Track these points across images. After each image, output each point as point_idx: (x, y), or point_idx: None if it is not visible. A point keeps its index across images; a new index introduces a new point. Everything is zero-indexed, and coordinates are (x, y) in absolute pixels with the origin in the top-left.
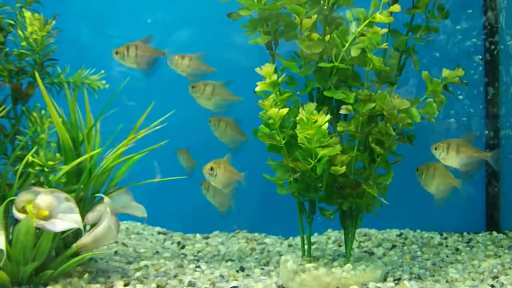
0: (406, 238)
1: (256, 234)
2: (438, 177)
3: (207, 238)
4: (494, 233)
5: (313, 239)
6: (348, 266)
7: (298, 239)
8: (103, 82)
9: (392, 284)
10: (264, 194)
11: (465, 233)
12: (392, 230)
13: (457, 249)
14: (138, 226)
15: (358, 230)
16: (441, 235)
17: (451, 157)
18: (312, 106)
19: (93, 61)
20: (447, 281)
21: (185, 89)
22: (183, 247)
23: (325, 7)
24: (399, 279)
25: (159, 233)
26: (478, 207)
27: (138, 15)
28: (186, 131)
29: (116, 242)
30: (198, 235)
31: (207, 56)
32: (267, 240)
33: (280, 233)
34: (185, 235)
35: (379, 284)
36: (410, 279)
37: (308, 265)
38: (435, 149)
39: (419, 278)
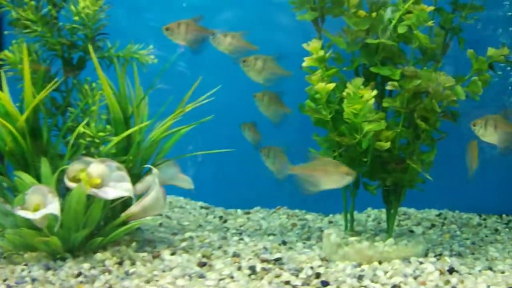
0: (445, 218)
1: (296, 211)
2: (469, 159)
3: (248, 213)
4: None
5: None
6: (390, 240)
7: (338, 216)
8: (152, 57)
9: (434, 259)
10: None
11: (504, 215)
12: (431, 210)
13: (496, 230)
14: (181, 200)
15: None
16: (480, 216)
17: (489, 133)
18: (359, 81)
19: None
20: (487, 259)
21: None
22: (225, 221)
23: None
24: (440, 255)
25: (201, 207)
26: None
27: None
28: (238, 107)
29: (160, 214)
30: (239, 211)
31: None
32: (307, 217)
33: (320, 210)
34: (227, 210)
35: (420, 259)
36: (450, 256)
37: (351, 239)
38: (474, 125)
39: (459, 255)
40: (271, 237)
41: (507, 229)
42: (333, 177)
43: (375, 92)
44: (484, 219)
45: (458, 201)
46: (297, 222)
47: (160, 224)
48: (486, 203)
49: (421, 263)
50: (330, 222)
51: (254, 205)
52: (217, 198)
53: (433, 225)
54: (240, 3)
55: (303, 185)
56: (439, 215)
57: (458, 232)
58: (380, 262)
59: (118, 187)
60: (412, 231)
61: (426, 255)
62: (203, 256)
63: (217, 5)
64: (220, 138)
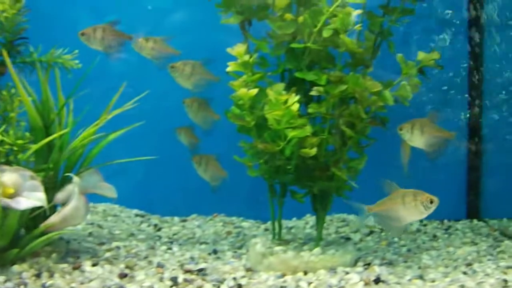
0: None
1: (234, 218)
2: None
3: (185, 221)
4: (475, 221)
5: (291, 223)
6: (317, 250)
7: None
8: (76, 61)
9: (361, 269)
10: (242, 178)
11: (445, 221)
12: (371, 217)
13: (435, 236)
14: (116, 208)
15: (336, 216)
16: (421, 221)
17: (416, 137)
18: (280, 86)
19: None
20: (419, 268)
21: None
22: (159, 229)
23: None
24: (369, 264)
25: (136, 215)
26: (459, 194)
27: (138, 1)
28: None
29: (92, 223)
30: (176, 218)
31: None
32: (244, 224)
33: (258, 217)
34: (163, 218)
35: (347, 269)
36: (381, 265)
37: (277, 248)
38: (400, 129)
39: (390, 264)
40: (202, 246)
41: (446, 235)
42: (415, 207)
43: (297, 98)
44: (425, 225)
45: None
46: (232, 230)
47: (90, 234)
48: None
49: (347, 273)
50: (267, 229)
51: (191, 212)
52: (153, 206)
53: (371, 232)
54: (206, 6)
55: (386, 224)
56: None
57: (395, 239)
58: (305, 273)
59: (31, 197)
60: (349, 238)
61: (355, 264)
62: (126, 267)
63: (184, 8)
64: (158, 144)
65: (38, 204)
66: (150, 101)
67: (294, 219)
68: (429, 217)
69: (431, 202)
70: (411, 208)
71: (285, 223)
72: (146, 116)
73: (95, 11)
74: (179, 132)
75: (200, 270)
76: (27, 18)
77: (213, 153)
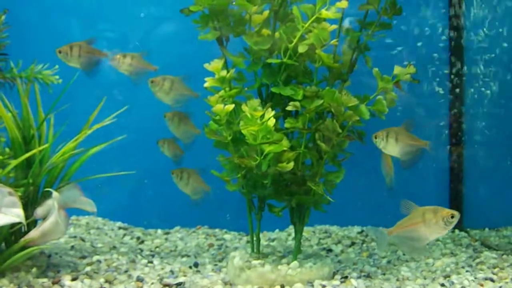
0: (366, 236)
1: (217, 230)
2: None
3: (168, 233)
4: (456, 231)
5: (274, 235)
6: (295, 263)
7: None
8: (57, 77)
9: (338, 282)
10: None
11: None
12: (354, 227)
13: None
14: (99, 221)
15: (319, 227)
16: None
17: (391, 145)
18: (255, 102)
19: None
20: (397, 280)
21: None
22: (142, 242)
23: (275, 2)
24: (346, 277)
25: (119, 228)
26: (442, 205)
27: (130, 9)
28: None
29: (75, 236)
30: (159, 231)
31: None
32: (226, 236)
33: (241, 229)
34: (146, 231)
35: (324, 282)
36: (358, 277)
37: (255, 262)
38: (375, 138)
39: (368, 276)
40: (184, 259)
41: (426, 246)
42: (436, 224)
43: (272, 113)
44: None
45: (383, 218)
46: (214, 242)
47: (72, 247)
48: None
49: (324, 286)
50: (248, 242)
51: (175, 224)
52: (136, 218)
53: (353, 243)
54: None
55: (407, 245)
56: (361, 232)
57: (376, 250)
58: (282, 286)
59: (9, 213)
60: (330, 250)
61: (333, 277)
62: (106, 281)
63: (176, 16)
64: (143, 156)
65: (16, 220)
66: (138, 113)
67: (277, 230)
68: None
69: (452, 217)
70: (432, 225)
71: (268, 234)
72: (131, 128)
73: (86, 19)
74: (162, 144)
75: (179, 284)
76: (7, 34)
77: (198, 167)
